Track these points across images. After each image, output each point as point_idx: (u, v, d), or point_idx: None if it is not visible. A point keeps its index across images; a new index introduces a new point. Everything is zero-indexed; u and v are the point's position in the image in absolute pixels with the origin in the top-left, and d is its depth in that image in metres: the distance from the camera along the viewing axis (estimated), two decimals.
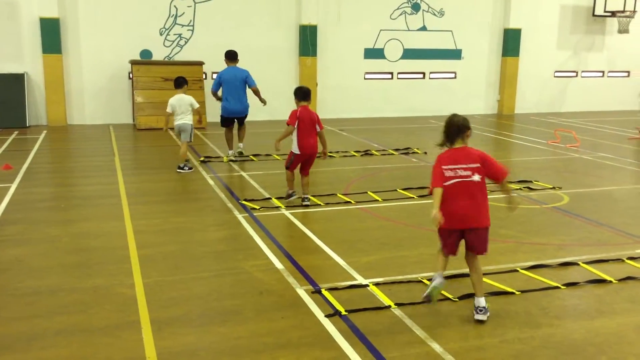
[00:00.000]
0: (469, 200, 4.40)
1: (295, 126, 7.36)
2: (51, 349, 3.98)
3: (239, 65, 10.64)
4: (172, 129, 9.93)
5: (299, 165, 7.62)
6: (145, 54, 15.39)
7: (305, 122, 7.36)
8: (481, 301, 4.44)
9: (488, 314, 4.44)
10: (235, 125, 10.79)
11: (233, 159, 10.51)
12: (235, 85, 10.30)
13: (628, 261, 5.67)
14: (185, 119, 9.59)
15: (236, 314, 4.51)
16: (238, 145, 10.77)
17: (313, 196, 7.92)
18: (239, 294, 4.88)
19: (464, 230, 4.48)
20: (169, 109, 9.57)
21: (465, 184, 4.39)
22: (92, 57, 14.97)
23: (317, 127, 7.45)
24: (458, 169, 4.41)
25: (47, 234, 6.46)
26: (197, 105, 9.65)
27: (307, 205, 7.52)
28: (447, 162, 4.44)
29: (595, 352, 4.00)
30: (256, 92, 10.50)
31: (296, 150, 7.45)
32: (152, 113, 14.60)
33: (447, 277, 5.19)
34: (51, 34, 14.44)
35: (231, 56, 10.48)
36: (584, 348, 4.05)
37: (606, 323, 4.43)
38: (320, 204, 7.63)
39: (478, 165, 4.41)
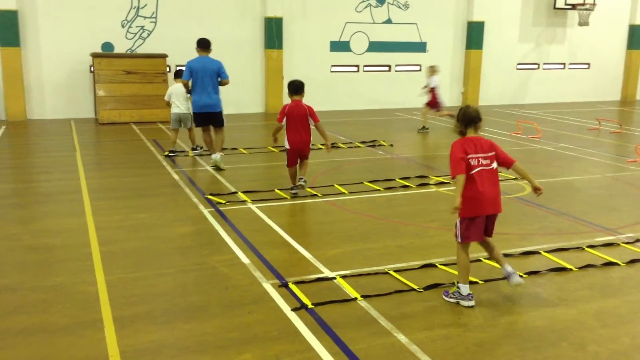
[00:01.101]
0: (493, 186, 4.61)
1: (284, 122, 7.45)
2: (11, 349, 3.88)
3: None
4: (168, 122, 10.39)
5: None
6: (107, 46, 15.09)
7: (294, 117, 7.39)
8: (508, 267, 4.66)
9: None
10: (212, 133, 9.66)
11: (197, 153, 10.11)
12: (205, 76, 9.26)
13: (588, 249, 5.81)
14: (185, 108, 10.18)
15: (201, 309, 4.47)
16: (212, 155, 9.44)
17: (279, 190, 7.91)
18: (205, 290, 4.83)
19: (487, 216, 4.63)
20: (167, 97, 10.25)
21: (487, 172, 4.60)
22: (52, 50, 14.60)
23: (312, 120, 7.48)
24: (480, 157, 4.59)
25: (7, 231, 6.29)
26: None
27: (302, 186, 7.67)
28: (470, 150, 4.58)
29: (557, 339, 4.08)
30: (224, 85, 9.52)
31: (286, 145, 7.54)
32: (115, 107, 14.36)
33: (414, 269, 5.25)
34: (9, 27, 14.02)
35: (203, 44, 9.45)
36: (546, 335, 4.13)
37: (567, 310, 4.53)
38: (286, 197, 7.60)
39: (493, 153, 4.65)
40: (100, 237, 6.05)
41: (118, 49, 15.17)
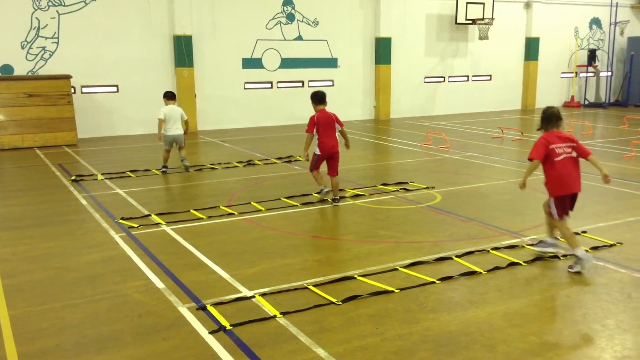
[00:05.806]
0: (575, 170, 5.62)
1: (314, 130, 7.90)
2: None
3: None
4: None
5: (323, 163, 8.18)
6: (6, 69, 14.35)
7: (323, 125, 7.89)
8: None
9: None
10: None
11: None
12: None
13: (494, 252, 6.07)
14: (179, 130, 10.41)
15: (114, 340, 4.29)
16: None
17: (195, 210, 7.78)
18: (117, 319, 4.65)
19: (573, 195, 5.63)
20: (161, 116, 10.29)
21: (571, 159, 5.59)
22: None
23: (338, 125, 8.00)
24: (564, 147, 5.58)
25: None
26: (186, 117, 10.59)
27: (337, 205, 8.05)
28: (555, 141, 5.58)
29: (469, 342, 4.22)
30: None
31: (317, 152, 8.01)
32: (17, 132, 13.66)
33: (333, 282, 5.30)
34: None
35: None
36: (459, 339, 4.27)
37: (478, 313, 4.71)
38: (203, 218, 7.48)
39: (574, 144, 5.61)
40: (2, 270, 5.69)
41: (18, 71, 14.46)
